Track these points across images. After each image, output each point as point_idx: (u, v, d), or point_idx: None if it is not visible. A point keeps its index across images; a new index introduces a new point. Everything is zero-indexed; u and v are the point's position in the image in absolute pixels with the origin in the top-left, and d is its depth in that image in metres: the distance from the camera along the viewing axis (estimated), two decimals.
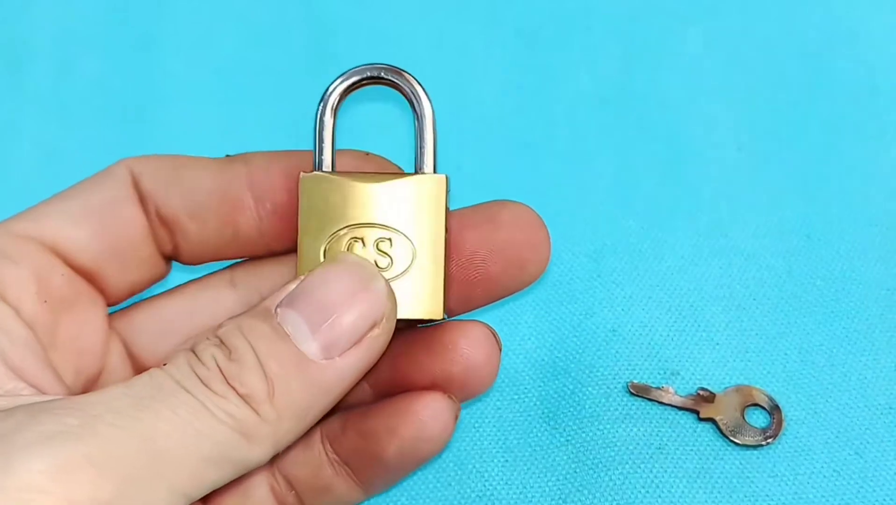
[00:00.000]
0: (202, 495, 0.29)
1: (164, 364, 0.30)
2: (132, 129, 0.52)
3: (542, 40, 0.53)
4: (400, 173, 0.35)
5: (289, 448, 0.36)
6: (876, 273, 0.47)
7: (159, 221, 0.36)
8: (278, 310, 0.31)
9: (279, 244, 0.36)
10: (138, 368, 0.37)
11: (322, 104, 0.35)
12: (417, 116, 0.35)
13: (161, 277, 0.38)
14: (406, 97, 0.35)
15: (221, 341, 0.31)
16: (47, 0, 0.55)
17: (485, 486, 0.43)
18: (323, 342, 0.31)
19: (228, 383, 0.30)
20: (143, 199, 0.36)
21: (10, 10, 0.55)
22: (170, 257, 0.37)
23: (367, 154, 0.36)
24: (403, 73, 0.35)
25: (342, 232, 0.34)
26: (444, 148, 0.51)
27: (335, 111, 0.35)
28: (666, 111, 0.51)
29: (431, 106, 0.35)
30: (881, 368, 0.45)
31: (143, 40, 0.54)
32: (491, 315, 0.47)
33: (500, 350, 0.36)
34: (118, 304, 0.37)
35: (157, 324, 0.38)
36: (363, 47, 0.53)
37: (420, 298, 0.34)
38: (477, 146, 0.51)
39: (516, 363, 0.46)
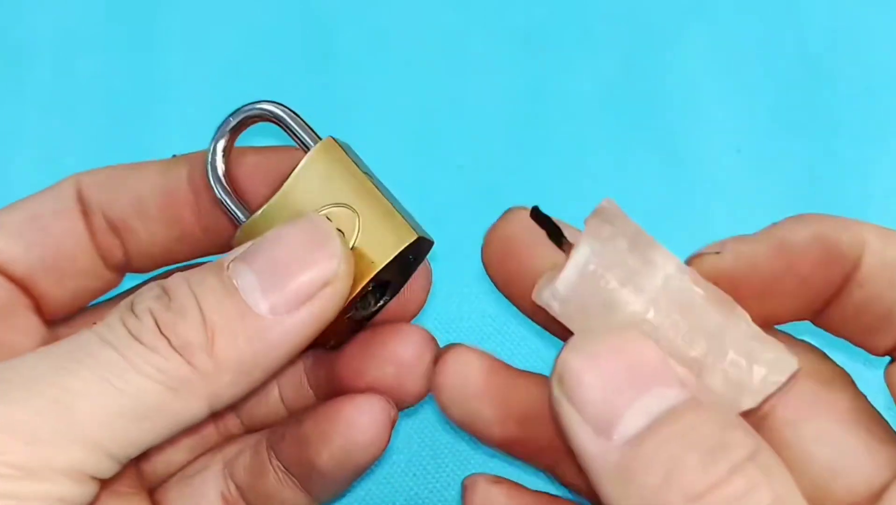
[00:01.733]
0: (136, 454, 0.29)
1: (94, 323, 0.30)
2: (132, 129, 0.52)
3: (542, 41, 0.53)
4: (293, 165, 0.34)
5: (243, 445, 0.37)
6: None
7: (108, 227, 0.36)
8: (230, 265, 0.31)
9: (224, 243, 0.36)
10: None
11: (212, 160, 0.35)
12: (282, 124, 0.35)
13: (110, 287, 0.37)
14: (265, 118, 0.35)
15: (164, 290, 0.30)
16: (47, 0, 0.55)
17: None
18: (272, 297, 0.30)
19: (161, 333, 0.29)
20: (87, 209, 0.35)
21: (10, 9, 0.55)
22: (120, 266, 0.37)
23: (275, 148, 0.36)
24: (261, 102, 0.35)
25: None
26: (444, 149, 0.51)
27: (224, 161, 0.35)
28: (666, 112, 0.51)
29: (284, 106, 0.35)
30: (881, 368, 0.45)
31: (143, 40, 0.54)
32: (489, 312, 0.47)
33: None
34: (61, 314, 0.36)
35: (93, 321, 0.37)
36: (363, 47, 0.53)
37: (387, 237, 0.33)
38: (477, 147, 0.51)
39: (517, 363, 0.46)
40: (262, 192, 0.35)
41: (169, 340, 0.29)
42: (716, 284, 0.32)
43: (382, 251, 0.33)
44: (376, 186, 0.34)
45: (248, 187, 0.36)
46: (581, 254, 0.30)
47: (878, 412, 0.31)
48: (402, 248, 0.33)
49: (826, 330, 0.33)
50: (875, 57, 0.52)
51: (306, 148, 0.34)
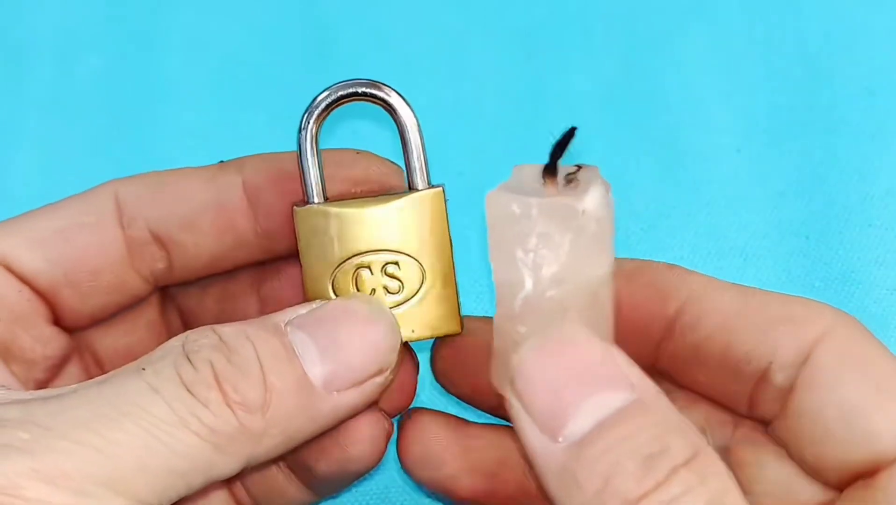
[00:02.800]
0: (170, 503, 0.29)
1: (143, 368, 0.29)
2: (132, 129, 0.52)
3: (542, 41, 0.53)
4: (395, 194, 0.34)
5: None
6: (875, 274, 0.47)
7: (151, 238, 0.35)
8: (288, 328, 0.31)
9: (279, 245, 0.36)
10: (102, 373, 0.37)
11: (302, 131, 0.34)
12: (401, 130, 0.34)
13: (139, 298, 0.37)
14: (387, 110, 0.34)
15: (223, 341, 0.30)
16: (47, 0, 0.55)
17: None
18: (329, 374, 0.31)
19: (219, 386, 0.29)
20: (126, 220, 0.35)
21: (10, 9, 0.54)
22: (157, 278, 0.36)
23: (358, 152, 0.36)
24: (382, 85, 0.34)
25: (346, 263, 0.34)
26: (444, 151, 0.50)
27: (315, 136, 0.34)
28: (666, 112, 0.51)
29: (415, 117, 0.34)
30: None
31: (143, 40, 0.54)
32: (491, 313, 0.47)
33: (418, 368, 0.36)
34: (86, 323, 0.36)
35: (126, 338, 0.37)
36: (363, 48, 0.53)
37: (436, 316, 0.34)
38: (477, 149, 0.51)
39: None
40: (273, 195, 0.35)
41: (226, 394, 0.29)
42: None
43: (426, 323, 0.34)
44: (452, 256, 0.34)
45: (258, 187, 0.35)
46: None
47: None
48: (440, 335, 0.34)
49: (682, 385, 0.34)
50: (875, 57, 0.52)
51: (406, 153, 0.34)
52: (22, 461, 0.26)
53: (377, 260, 0.33)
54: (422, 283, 0.34)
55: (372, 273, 0.34)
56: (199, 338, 0.30)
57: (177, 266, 0.36)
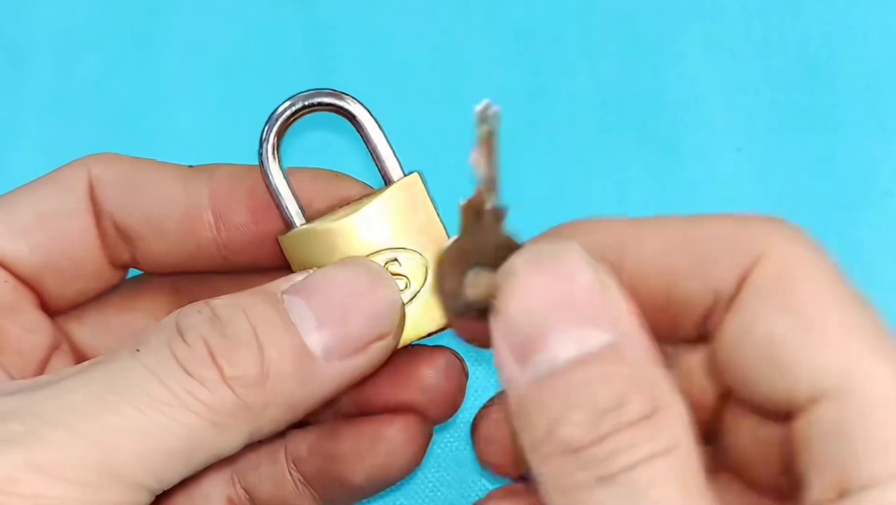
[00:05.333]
0: (170, 486, 0.28)
1: (138, 349, 0.29)
2: (132, 129, 0.52)
3: (542, 41, 0.53)
4: (373, 192, 0.33)
5: (256, 454, 0.36)
6: (875, 274, 0.47)
7: (116, 232, 0.35)
8: (284, 296, 0.30)
9: (240, 261, 0.36)
10: (80, 358, 0.37)
11: (263, 153, 0.33)
12: (365, 134, 0.33)
13: (115, 283, 0.37)
14: (346, 117, 0.33)
15: (215, 314, 0.29)
16: (47, 0, 0.55)
17: (484, 486, 0.43)
18: (328, 341, 0.30)
19: (214, 362, 0.28)
20: (98, 210, 0.35)
21: (10, 10, 0.55)
22: (126, 265, 0.36)
23: (336, 175, 0.35)
24: (341, 94, 0.33)
25: None
26: (443, 150, 0.51)
27: (278, 154, 0.33)
28: (666, 111, 0.51)
29: (373, 118, 0.33)
30: None
31: (143, 40, 0.54)
32: None
33: (467, 377, 0.35)
34: (66, 308, 0.36)
35: (98, 321, 0.37)
36: (362, 48, 0.53)
37: None
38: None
39: None
40: (238, 212, 0.34)
41: (222, 369, 0.28)
42: None
43: (442, 315, 0.33)
44: (448, 236, 0.33)
45: (225, 200, 0.35)
46: None
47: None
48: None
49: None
50: (875, 57, 0.52)
51: (373, 151, 0.33)
52: (17, 454, 0.26)
53: (378, 261, 0.33)
54: (427, 270, 0.33)
55: None
56: (192, 312, 0.29)
57: (140, 261, 0.36)
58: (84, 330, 0.37)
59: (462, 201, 0.30)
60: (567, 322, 0.26)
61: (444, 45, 0.53)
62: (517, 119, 0.51)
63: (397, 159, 0.34)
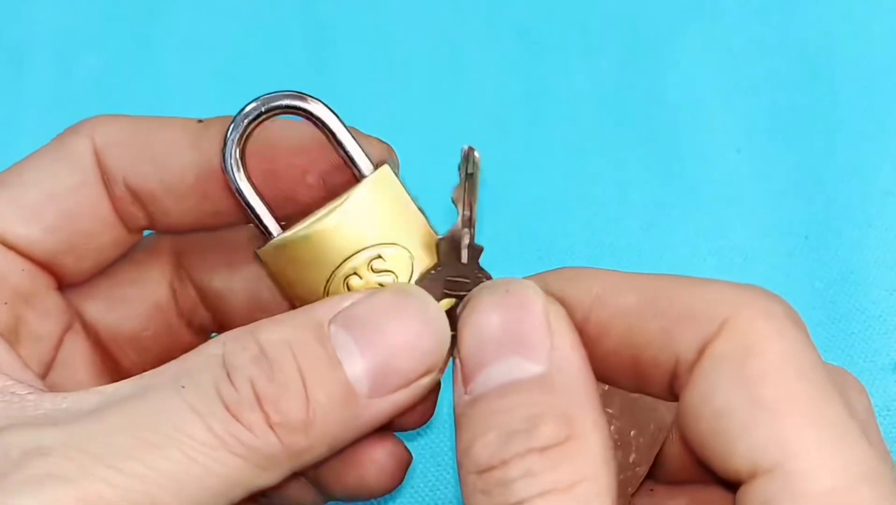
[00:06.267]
0: None
1: (183, 385, 0.28)
2: None
3: (542, 41, 0.53)
4: (346, 192, 0.32)
5: None
6: (874, 274, 0.47)
7: (131, 198, 0.34)
8: (332, 328, 0.29)
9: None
10: (94, 336, 0.36)
11: (226, 162, 0.32)
12: (331, 134, 0.32)
13: (129, 247, 0.36)
14: (309, 119, 0.32)
15: (263, 353, 0.29)
16: (47, 0, 0.55)
17: None
18: (374, 380, 0.29)
19: (261, 407, 0.28)
20: (108, 177, 0.34)
21: (10, 9, 0.55)
22: (142, 228, 0.36)
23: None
24: (305, 96, 0.32)
25: (332, 280, 0.32)
26: (443, 150, 0.51)
27: (243, 161, 0.32)
28: (666, 111, 0.51)
29: (336, 116, 0.32)
30: (878, 369, 0.45)
31: (143, 40, 0.54)
32: None
33: (439, 388, 0.34)
34: (79, 282, 0.36)
35: (106, 293, 0.36)
36: (363, 48, 0.53)
37: None
38: (476, 147, 0.51)
39: None
40: (255, 161, 0.33)
41: (268, 416, 0.28)
42: None
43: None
44: (428, 222, 0.33)
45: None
46: None
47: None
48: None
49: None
50: (875, 57, 0.52)
51: (339, 148, 0.32)
52: (65, 491, 0.26)
53: (361, 262, 0.32)
54: (412, 262, 0.32)
55: (361, 277, 0.32)
56: (238, 349, 0.29)
57: (157, 224, 0.35)
58: (96, 306, 0.37)
59: (439, 235, 0.32)
60: (506, 352, 0.28)
61: (444, 45, 0.53)
62: (517, 119, 0.51)
63: (366, 154, 0.32)
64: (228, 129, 0.32)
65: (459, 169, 0.33)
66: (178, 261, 0.38)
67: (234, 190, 0.32)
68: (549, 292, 0.30)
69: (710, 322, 0.27)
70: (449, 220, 0.33)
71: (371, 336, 0.29)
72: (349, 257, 0.32)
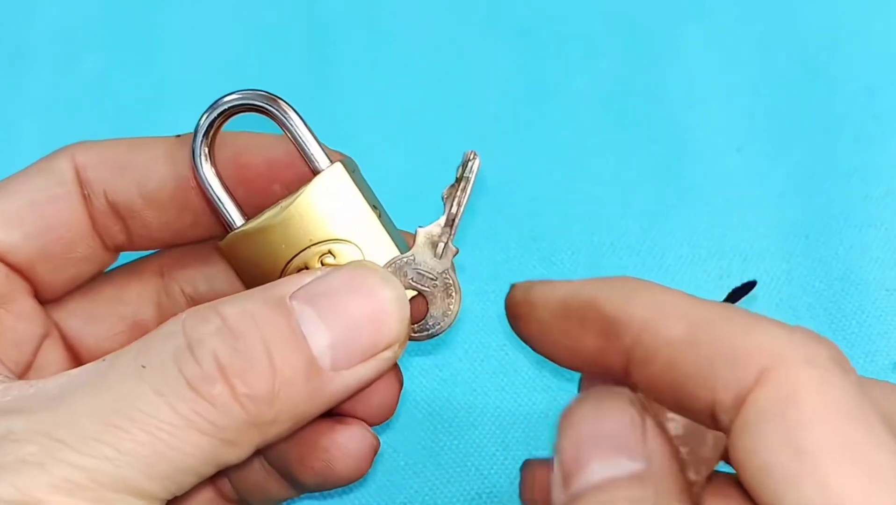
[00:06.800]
0: (181, 494, 0.29)
1: (143, 365, 0.28)
2: (132, 129, 0.52)
3: (542, 40, 0.53)
4: (303, 186, 0.33)
5: None
6: (874, 274, 0.47)
7: (111, 212, 0.35)
8: (294, 303, 0.30)
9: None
10: (71, 350, 0.37)
11: (197, 158, 0.33)
12: (290, 129, 0.33)
13: (105, 267, 0.37)
14: (270, 116, 0.33)
15: (226, 325, 0.29)
16: (47, 0, 0.55)
17: (484, 484, 0.43)
18: (337, 352, 0.30)
19: (226, 379, 0.28)
20: (88, 193, 0.35)
21: (10, 9, 0.55)
22: (119, 247, 0.36)
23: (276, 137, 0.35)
24: (269, 95, 0.33)
25: (286, 272, 0.33)
26: (443, 150, 0.51)
27: (211, 156, 0.34)
28: (666, 111, 0.51)
29: (294, 110, 0.33)
30: (878, 369, 0.45)
31: (143, 40, 0.54)
32: (492, 311, 0.47)
33: (402, 385, 0.35)
34: (57, 295, 0.36)
35: (84, 308, 0.37)
36: (363, 48, 0.53)
37: None
38: (476, 147, 0.51)
39: (516, 361, 0.46)
40: (231, 172, 0.34)
41: (233, 387, 0.28)
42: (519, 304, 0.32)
43: None
44: (381, 220, 0.33)
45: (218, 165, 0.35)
46: None
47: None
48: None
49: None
50: (875, 57, 0.52)
51: (297, 144, 0.33)
52: (37, 476, 0.26)
53: (311, 256, 0.33)
54: (363, 259, 0.33)
55: (311, 269, 0.33)
56: (200, 323, 0.29)
57: (136, 238, 0.36)
58: (74, 320, 0.37)
59: (420, 227, 0.33)
60: (605, 453, 0.28)
61: (445, 44, 0.53)
62: (517, 119, 0.52)
63: (323, 149, 0.33)
64: (199, 122, 0.33)
65: (457, 170, 0.34)
66: (166, 274, 0.38)
67: (200, 180, 0.33)
68: (605, 311, 0.29)
69: (750, 370, 0.27)
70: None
71: (333, 309, 0.30)
72: (301, 251, 0.33)
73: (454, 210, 0.33)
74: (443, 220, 0.34)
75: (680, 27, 0.53)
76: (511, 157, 0.51)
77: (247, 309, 0.29)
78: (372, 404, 0.34)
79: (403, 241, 0.34)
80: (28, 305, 0.35)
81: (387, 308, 0.31)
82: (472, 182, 0.33)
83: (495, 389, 0.45)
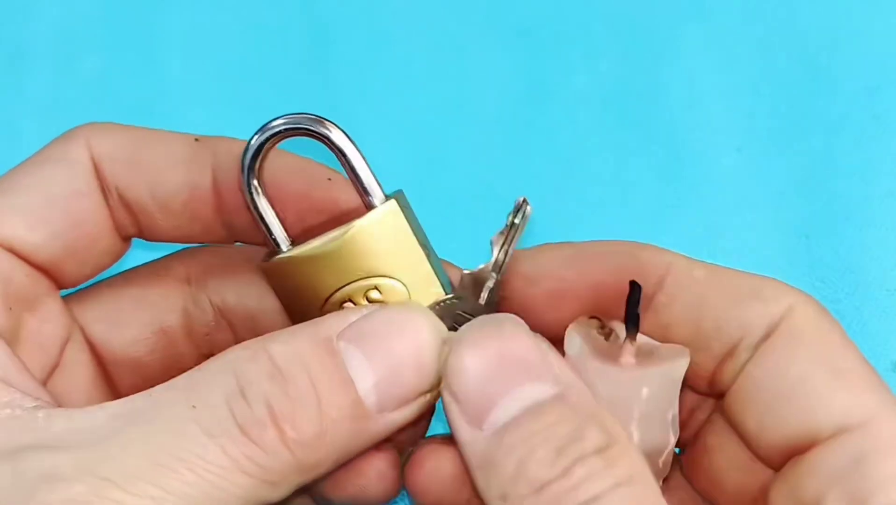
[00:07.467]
0: None
1: (194, 405, 0.28)
2: None
3: (542, 41, 0.53)
4: (354, 219, 0.32)
5: None
6: (874, 274, 0.47)
7: (122, 206, 0.35)
8: (342, 344, 0.30)
9: (247, 237, 0.35)
10: (95, 352, 0.37)
11: (246, 179, 0.33)
12: (346, 160, 0.33)
13: (121, 255, 0.36)
14: (324, 143, 0.33)
15: (276, 367, 0.29)
16: (47, 0, 0.55)
17: None
18: (381, 394, 0.30)
19: (276, 424, 0.28)
20: (104, 186, 0.35)
21: (10, 10, 0.54)
22: (132, 236, 0.36)
23: (330, 178, 0.35)
24: (323, 120, 0.33)
25: (329, 303, 0.33)
26: (443, 149, 0.51)
27: (261, 179, 0.33)
28: (666, 111, 0.51)
29: (352, 142, 0.33)
30: (879, 369, 0.44)
31: (144, 40, 0.54)
32: None
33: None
34: (75, 286, 0.36)
35: (110, 313, 0.37)
36: (363, 48, 0.53)
37: None
38: (476, 147, 0.51)
39: None
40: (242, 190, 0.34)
41: (283, 432, 0.28)
42: (513, 277, 0.34)
43: None
44: (430, 260, 0.33)
45: (229, 179, 0.34)
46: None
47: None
48: None
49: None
50: (875, 57, 0.52)
51: (353, 176, 0.32)
52: None
53: (357, 290, 0.32)
54: (409, 299, 0.33)
55: (356, 304, 0.33)
56: (251, 365, 0.29)
57: (146, 233, 0.36)
58: (99, 325, 0.37)
59: (466, 271, 0.34)
60: (513, 383, 0.29)
61: (444, 45, 0.53)
62: (517, 119, 0.51)
63: (378, 183, 0.33)
64: (250, 141, 0.32)
65: (508, 216, 0.34)
66: (193, 283, 0.38)
67: (247, 199, 0.33)
68: (624, 260, 0.33)
69: (778, 304, 0.31)
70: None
71: (379, 351, 0.30)
72: (346, 284, 0.32)
73: (502, 257, 0.34)
74: (490, 264, 0.34)
75: (680, 27, 0.53)
76: (511, 157, 0.51)
77: (296, 349, 0.29)
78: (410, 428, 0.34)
79: (448, 281, 0.34)
80: (53, 305, 0.35)
81: (430, 350, 0.31)
82: (522, 228, 0.34)
83: None
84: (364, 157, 0.33)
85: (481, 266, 0.34)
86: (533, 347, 0.29)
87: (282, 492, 0.29)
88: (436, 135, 0.51)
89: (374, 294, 0.33)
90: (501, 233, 0.34)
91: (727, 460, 0.33)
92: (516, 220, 0.34)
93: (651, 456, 0.32)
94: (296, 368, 0.29)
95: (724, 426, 0.34)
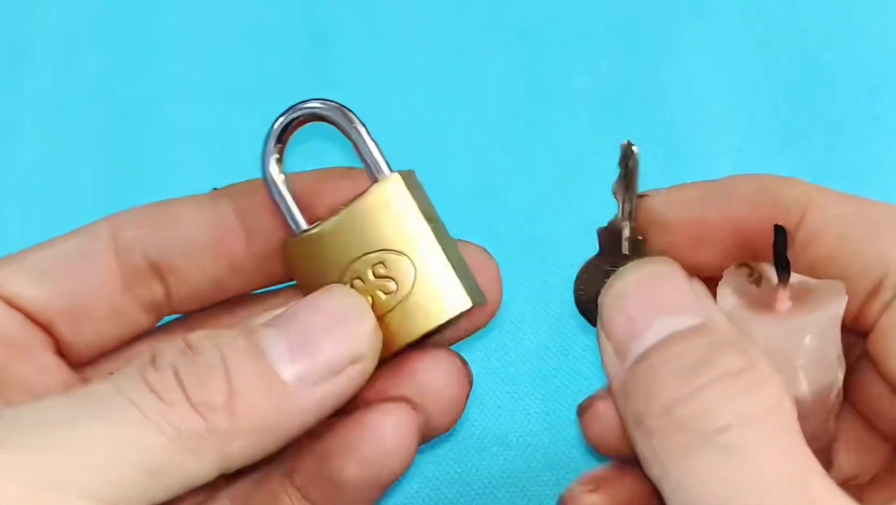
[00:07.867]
0: None
1: (111, 372, 0.29)
2: (132, 129, 0.52)
3: (542, 40, 0.53)
4: (360, 194, 0.33)
5: (246, 483, 0.35)
6: None
7: (148, 268, 0.35)
8: (261, 328, 0.31)
9: (275, 268, 0.36)
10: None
11: (265, 162, 0.34)
12: (354, 138, 0.33)
13: (143, 329, 0.36)
14: (335, 125, 0.34)
15: (189, 346, 0.30)
16: (47, 0, 0.55)
17: (484, 484, 0.43)
18: (299, 367, 0.30)
19: (182, 388, 0.29)
20: (122, 251, 0.35)
21: (10, 10, 0.55)
22: (158, 307, 0.36)
23: (349, 169, 0.36)
24: (328, 102, 0.34)
25: (341, 280, 0.33)
26: (443, 149, 0.51)
27: (281, 161, 0.34)
28: (666, 111, 0.51)
29: (357, 118, 0.34)
30: None
31: (143, 40, 0.54)
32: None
33: (471, 385, 0.34)
34: (87, 356, 0.36)
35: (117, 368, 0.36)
36: (363, 48, 0.53)
37: (439, 299, 0.32)
38: (476, 147, 0.51)
39: (516, 362, 0.46)
40: (266, 221, 0.35)
41: (189, 395, 0.29)
42: (649, 226, 0.34)
43: (433, 315, 0.33)
44: (437, 234, 0.33)
45: (251, 212, 0.35)
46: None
47: None
48: (453, 315, 0.33)
49: None
50: (875, 57, 0.52)
51: (360, 153, 0.33)
52: None
53: (365, 265, 0.33)
54: (415, 273, 0.33)
55: (364, 281, 0.33)
56: (167, 346, 0.30)
57: (175, 295, 0.36)
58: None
59: (600, 227, 0.34)
60: (657, 316, 0.29)
61: (444, 45, 0.53)
62: (517, 119, 0.52)
63: (384, 158, 0.33)
64: (273, 124, 0.34)
65: (619, 164, 0.34)
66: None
67: (267, 181, 0.34)
68: (763, 198, 0.32)
69: None
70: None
71: (296, 329, 0.31)
72: (355, 260, 0.33)
73: (628, 203, 0.34)
74: (619, 214, 0.34)
75: (680, 27, 0.53)
76: (511, 157, 0.51)
77: (212, 332, 0.30)
78: (441, 402, 0.34)
79: (459, 254, 0.34)
80: (48, 358, 0.35)
81: (348, 323, 0.31)
82: (636, 171, 0.34)
83: (496, 389, 0.45)
84: (369, 132, 0.34)
85: (611, 220, 0.34)
86: (681, 285, 0.30)
87: (204, 463, 0.29)
88: (436, 135, 0.51)
89: (380, 269, 0.33)
90: (620, 182, 0.34)
91: (880, 388, 0.33)
92: (630, 165, 0.34)
93: (821, 393, 0.31)
94: (205, 344, 0.30)
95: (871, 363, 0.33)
